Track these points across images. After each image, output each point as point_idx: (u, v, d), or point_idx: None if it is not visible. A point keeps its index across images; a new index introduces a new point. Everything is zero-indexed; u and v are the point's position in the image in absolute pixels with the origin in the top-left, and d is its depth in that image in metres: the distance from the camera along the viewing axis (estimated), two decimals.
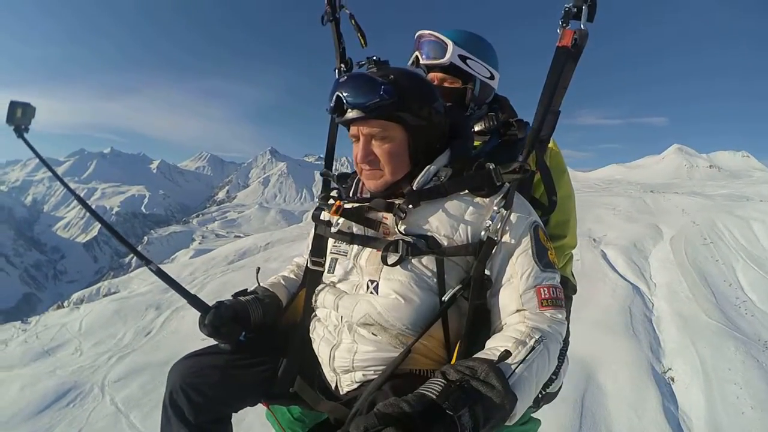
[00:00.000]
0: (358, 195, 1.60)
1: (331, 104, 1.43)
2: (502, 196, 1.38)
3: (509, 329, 1.25)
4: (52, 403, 7.17)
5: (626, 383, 5.57)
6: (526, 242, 1.36)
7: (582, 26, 1.37)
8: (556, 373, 1.67)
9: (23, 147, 1.83)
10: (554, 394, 1.76)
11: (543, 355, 1.17)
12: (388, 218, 1.44)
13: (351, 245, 1.50)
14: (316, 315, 1.60)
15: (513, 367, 1.09)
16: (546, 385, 1.62)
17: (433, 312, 1.36)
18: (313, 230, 1.69)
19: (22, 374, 8.72)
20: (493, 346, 1.19)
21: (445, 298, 1.34)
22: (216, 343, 1.58)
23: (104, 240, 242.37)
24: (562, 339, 1.30)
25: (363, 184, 1.56)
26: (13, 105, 1.77)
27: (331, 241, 1.60)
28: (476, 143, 1.94)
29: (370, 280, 1.42)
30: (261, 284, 1.80)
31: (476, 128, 1.94)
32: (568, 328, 1.48)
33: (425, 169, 1.44)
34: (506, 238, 1.36)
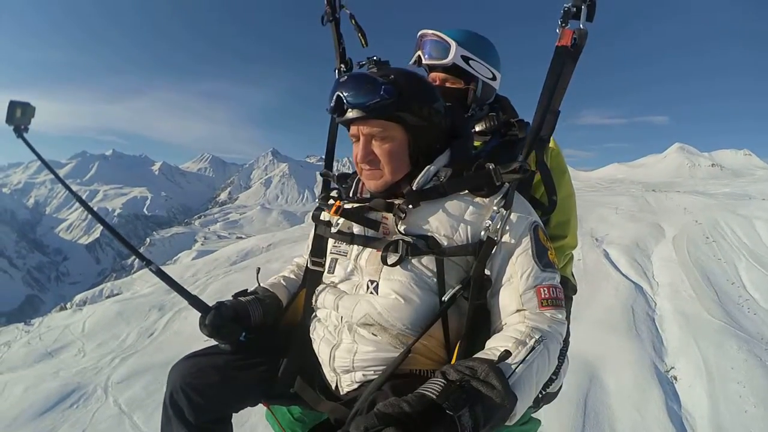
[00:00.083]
0: (358, 195, 1.60)
1: (332, 104, 1.43)
2: (502, 196, 1.38)
3: (509, 329, 1.25)
4: (55, 404, 7.18)
5: (629, 382, 5.55)
6: (526, 242, 1.35)
7: (581, 26, 1.37)
8: (556, 373, 1.67)
9: (25, 149, 1.84)
10: (554, 394, 1.76)
11: (543, 355, 1.17)
12: (388, 218, 1.44)
13: (351, 245, 1.50)
14: (316, 315, 1.60)
15: (513, 367, 1.09)
16: (546, 385, 1.61)
17: (433, 312, 1.36)
18: (313, 230, 1.69)
19: (25, 376, 8.75)
20: (493, 346, 1.19)
21: (445, 298, 1.34)
22: (216, 343, 1.59)
23: (107, 242, 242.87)
24: (562, 339, 1.30)
25: (363, 184, 1.57)
26: (13, 105, 1.77)
27: (331, 241, 1.60)
28: (477, 143, 1.94)
29: (370, 281, 1.42)
30: (261, 284, 1.81)
31: (477, 128, 1.94)
32: (568, 328, 1.48)
33: (425, 169, 1.43)
34: (506, 238, 1.36)
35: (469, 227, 1.37)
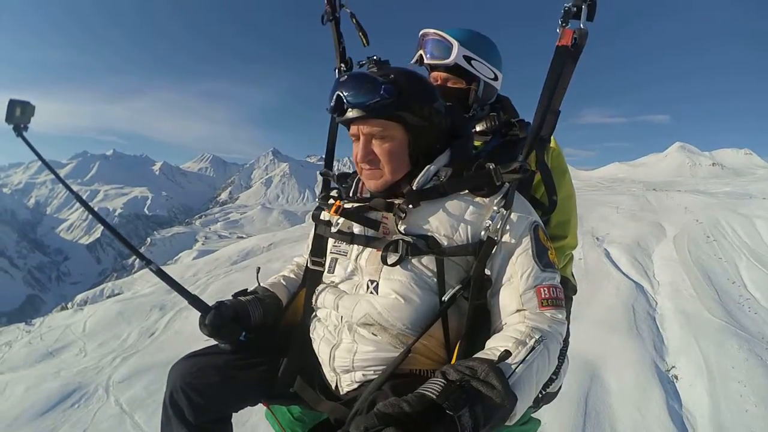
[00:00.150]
0: (358, 195, 1.60)
1: (332, 103, 1.43)
2: (502, 195, 1.38)
3: (509, 329, 1.25)
4: (56, 404, 7.19)
5: (630, 381, 5.56)
6: (526, 242, 1.35)
7: (582, 25, 1.37)
8: (556, 373, 1.66)
9: (26, 149, 1.84)
10: (554, 394, 1.75)
11: (543, 355, 1.17)
12: (388, 218, 1.44)
13: (351, 245, 1.50)
14: (316, 315, 1.59)
15: (513, 367, 1.09)
16: (546, 385, 1.61)
17: (433, 312, 1.36)
18: (313, 230, 1.69)
19: (26, 375, 8.76)
20: (493, 346, 1.19)
21: (445, 298, 1.34)
22: (216, 343, 1.59)
23: (107, 242, 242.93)
24: (562, 339, 1.30)
25: (363, 183, 1.56)
26: (12, 103, 1.77)
27: (331, 240, 1.60)
28: (478, 143, 1.94)
29: (370, 280, 1.42)
30: (261, 284, 1.80)
31: (478, 128, 1.93)
32: (568, 328, 1.48)
33: (425, 169, 1.43)
34: (506, 237, 1.35)
35: (469, 227, 1.37)
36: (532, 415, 1.76)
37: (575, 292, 1.97)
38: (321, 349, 1.50)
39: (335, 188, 1.69)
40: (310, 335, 1.59)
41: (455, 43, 1.84)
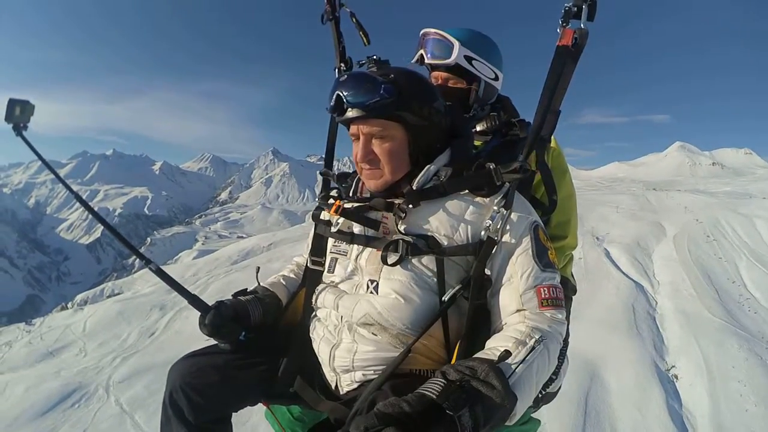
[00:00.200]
0: (358, 194, 1.60)
1: (331, 103, 1.43)
2: (502, 195, 1.38)
3: (509, 329, 1.25)
4: (56, 404, 7.19)
5: (630, 381, 5.56)
6: (527, 242, 1.35)
7: (582, 25, 1.36)
8: (556, 373, 1.66)
9: (26, 149, 1.84)
10: (554, 394, 1.75)
11: (543, 355, 1.17)
12: (388, 218, 1.44)
13: (351, 245, 1.50)
14: (316, 315, 1.59)
15: (513, 367, 1.09)
16: (546, 385, 1.61)
17: (433, 312, 1.36)
18: (313, 230, 1.69)
19: (26, 375, 8.76)
20: (493, 346, 1.19)
21: (445, 297, 1.34)
22: (216, 343, 1.59)
23: (107, 241, 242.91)
24: (562, 339, 1.30)
25: (363, 183, 1.56)
26: (12, 103, 1.77)
27: (331, 240, 1.60)
28: (478, 143, 1.94)
29: (370, 280, 1.42)
30: (261, 284, 1.80)
31: (478, 128, 1.93)
32: (567, 328, 1.48)
33: (425, 169, 1.43)
34: (506, 237, 1.35)
35: (469, 227, 1.37)
36: (532, 415, 1.76)
37: (575, 292, 1.97)
38: (321, 348, 1.50)
39: (335, 188, 1.69)
40: (310, 335, 1.59)
41: (456, 43, 1.84)
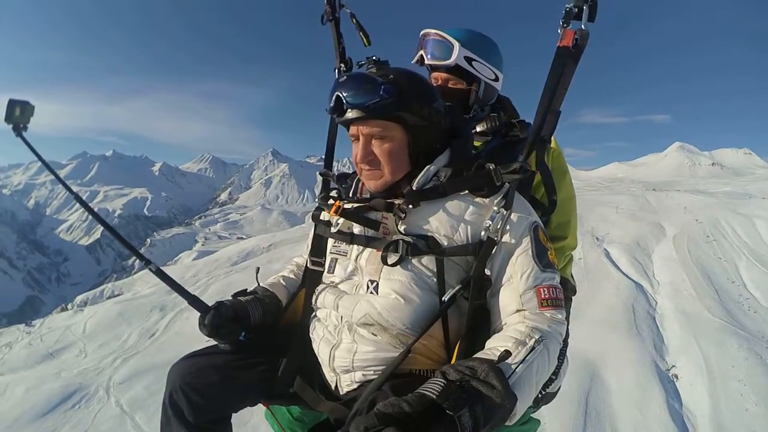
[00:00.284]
0: (358, 195, 1.60)
1: (331, 104, 1.43)
2: (502, 196, 1.38)
3: (509, 329, 1.25)
4: (57, 405, 7.19)
5: (630, 381, 5.57)
6: (526, 242, 1.35)
7: (583, 26, 1.36)
8: (555, 373, 1.67)
9: (25, 150, 1.84)
10: (554, 394, 1.75)
11: (543, 355, 1.17)
12: (388, 218, 1.44)
13: (351, 245, 1.50)
14: (316, 315, 1.60)
15: (513, 367, 1.09)
16: (546, 385, 1.61)
17: (433, 312, 1.36)
18: (312, 230, 1.69)
19: (27, 376, 8.75)
20: (493, 346, 1.19)
21: (445, 298, 1.34)
22: (216, 343, 1.59)
23: (107, 242, 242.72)
24: (562, 339, 1.30)
25: (363, 184, 1.56)
26: (12, 103, 1.77)
27: (330, 241, 1.60)
28: (478, 144, 1.94)
29: (370, 280, 1.42)
30: (261, 284, 1.81)
31: (478, 129, 1.93)
32: (567, 328, 1.48)
33: (425, 169, 1.43)
34: (506, 238, 1.35)
35: (469, 227, 1.37)
36: (532, 415, 1.76)
37: (575, 292, 1.97)
38: (321, 349, 1.50)
39: (335, 189, 1.69)
40: (310, 335, 1.59)
41: (456, 44, 1.84)
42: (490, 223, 1.35)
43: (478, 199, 1.40)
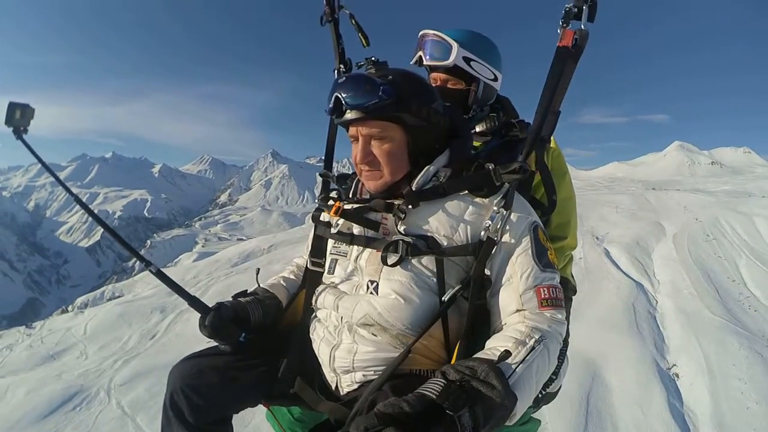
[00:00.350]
0: (358, 196, 1.60)
1: (330, 105, 1.43)
2: (501, 196, 1.38)
3: (509, 329, 1.25)
4: (58, 407, 7.18)
5: (631, 380, 5.56)
6: (526, 242, 1.35)
7: (582, 26, 1.37)
8: (556, 373, 1.67)
9: (25, 152, 1.84)
10: (554, 394, 1.76)
11: (543, 355, 1.17)
12: (388, 219, 1.45)
13: (351, 246, 1.50)
14: (316, 315, 1.60)
15: (513, 367, 1.09)
16: (546, 385, 1.62)
17: (433, 312, 1.36)
18: (312, 231, 1.70)
19: (27, 378, 8.73)
20: (493, 346, 1.19)
21: (445, 298, 1.34)
22: (216, 344, 1.59)
23: (107, 244, 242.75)
24: (562, 339, 1.30)
25: (362, 184, 1.57)
26: (12, 106, 1.78)
27: (330, 241, 1.60)
28: (477, 144, 1.94)
29: (370, 281, 1.42)
30: (261, 285, 1.81)
31: (477, 129, 1.94)
32: (567, 328, 1.48)
33: (425, 170, 1.44)
34: (506, 238, 1.36)
35: (468, 227, 1.38)
36: (533, 415, 1.76)
37: (575, 292, 1.98)
38: (321, 349, 1.50)
39: (335, 189, 1.70)
40: (310, 336, 1.59)
41: (454, 45, 1.84)
42: (490, 223, 1.35)
43: (477, 199, 1.41)
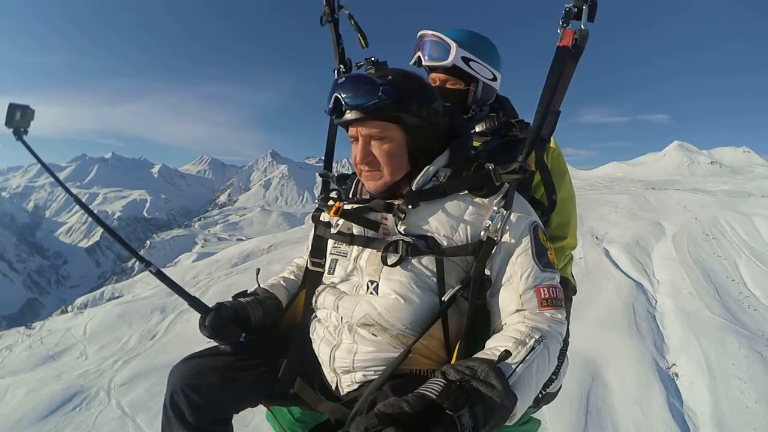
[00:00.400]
0: (358, 196, 1.60)
1: (330, 105, 1.43)
2: (501, 196, 1.38)
3: (509, 329, 1.25)
4: (58, 407, 7.17)
5: (631, 380, 5.56)
6: (526, 242, 1.35)
7: (582, 26, 1.37)
8: (556, 373, 1.67)
9: (25, 153, 1.84)
10: (554, 394, 1.76)
11: (543, 355, 1.17)
12: (388, 219, 1.45)
13: (351, 246, 1.50)
14: (316, 316, 1.60)
15: (513, 367, 1.09)
16: (546, 385, 1.62)
17: (433, 312, 1.36)
18: (312, 231, 1.70)
19: (27, 379, 8.73)
20: (493, 346, 1.19)
21: (445, 298, 1.34)
22: (217, 344, 1.59)
23: (106, 245, 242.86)
24: (562, 339, 1.30)
25: (362, 185, 1.57)
26: (12, 107, 1.78)
27: (331, 242, 1.60)
28: (477, 144, 1.94)
29: (370, 281, 1.42)
30: (261, 285, 1.81)
31: (477, 129, 1.94)
32: (567, 328, 1.48)
33: (424, 170, 1.44)
34: (506, 238, 1.36)
35: (468, 227, 1.38)
36: (533, 415, 1.76)
37: (575, 292, 1.98)
38: (321, 349, 1.50)
39: (335, 189, 1.70)
40: (310, 336, 1.59)
41: (453, 45, 1.84)
42: (490, 223, 1.35)
43: (477, 199, 1.41)
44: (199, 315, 1.58)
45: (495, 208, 1.36)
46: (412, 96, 1.39)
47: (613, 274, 9.05)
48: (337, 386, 1.47)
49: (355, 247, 1.49)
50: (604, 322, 7.04)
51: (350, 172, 1.74)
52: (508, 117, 1.95)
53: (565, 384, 1.81)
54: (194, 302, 1.61)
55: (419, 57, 1.95)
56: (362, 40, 1.94)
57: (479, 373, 1.04)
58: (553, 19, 1.42)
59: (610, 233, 11.86)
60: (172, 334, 10.49)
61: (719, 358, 5.76)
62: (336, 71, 1.92)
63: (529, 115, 1.54)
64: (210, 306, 1.60)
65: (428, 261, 1.37)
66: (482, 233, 1.36)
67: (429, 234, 1.38)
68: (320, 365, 1.52)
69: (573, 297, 1.97)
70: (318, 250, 1.65)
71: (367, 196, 1.54)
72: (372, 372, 1.38)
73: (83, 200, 1.87)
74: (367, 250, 1.46)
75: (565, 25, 1.38)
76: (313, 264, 1.65)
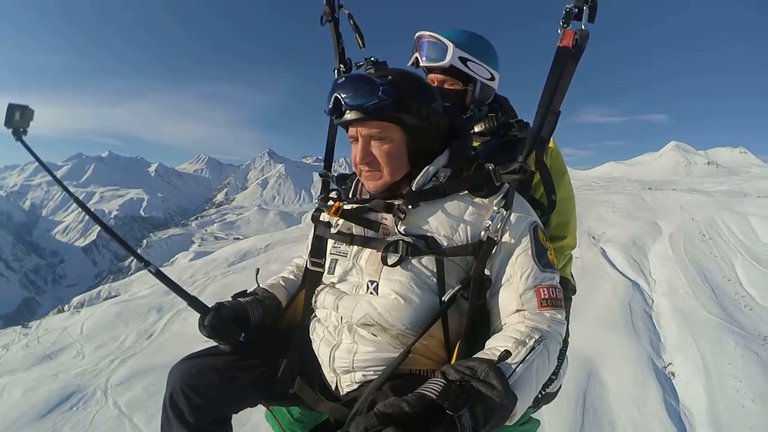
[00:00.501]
0: (358, 196, 1.60)
1: (330, 105, 1.42)
2: (501, 196, 1.38)
3: (509, 329, 1.26)
4: (55, 406, 7.14)
5: (628, 379, 5.57)
6: (526, 242, 1.36)
7: (583, 27, 1.37)
8: (555, 373, 1.67)
9: (22, 152, 1.83)
10: (554, 394, 1.76)
11: (543, 355, 1.17)
12: (388, 219, 1.45)
13: (351, 246, 1.50)
14: (315, 315, 1.60)
15: (513, 367, 1.09)
16: (546, 385, 1.62)
17: (432, 312, 1.36)
18: (312, 231, 1.70)
19: (24, 378, 8.69)
20: (493, 346, 1.19)
21: (445, 298, 1.34)
22: (216, 344, 1.59)
23: (103, 244, 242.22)
24: (562, 339, 1.30)
25: (362, 185, 1.57)
26: (12, 108, 1.77)
27: (330, 242, 1.60)
28: (477, 144, 1.95)
29: (370, 281, 1.42)
30: (260, 285, 1.81)
31: (476, 129, 1.94)
32: (567, 328, 1.49)
33: (424, 170, 1.44)
34: (506, 238, 1.36)
35: (468, 227, 1.38)
36: (532, 415, 1.77)
37: (575, 292, 1.98)
38: (321, 349, 1.50)
39: (335, 189, 1.70)
40: (310, 336, 1.59)
41: (450, 45, 1.84)
42: (490, 223, 1.35)
43: (477, 200, 1.41)
44: (198, 315, 1.57)
45: (495, 208, 1.37)
46: (412, 96, 1.39)
47: (610, 274, 9.06)
48: (336, 386, 1.47)
49: (355, 247, 1.49)
50: (601, 322, 7.05)
51: (350, 172, 1.74)
52: (507, 117, 1.95)
53: (562, 383, 1.81)
54: (193, 302, 1.61)
55: (417, 58, 1.95)
56: (360, 41, 1.94)
57: (479, 373, 1.04)
58: (554, 20, 1.42)
59: (607, 233, 11.88)
60: (169, 333, 10.46)
61: (715, 358, 5.77)
62: (336, 71, 1.92)
63: (529, 115, 1.54)
64: (209, 306, 1.60)
65: (428, 261, 1.37)
66: (482, 233, 1.36)
67: (429, 234, 1.38)
68: (320, 365, 1.52)
69: (572, 297, 1.98)
70: (318, 250, 1.65)
71: (367, 196, 1.54)
72: (372, 372, 1.38)
73: (80, 199, 1.87)
74: (367, 250, 1.46)
75: (565, 25, 1.38)
76: (313, 264, 1.65)
